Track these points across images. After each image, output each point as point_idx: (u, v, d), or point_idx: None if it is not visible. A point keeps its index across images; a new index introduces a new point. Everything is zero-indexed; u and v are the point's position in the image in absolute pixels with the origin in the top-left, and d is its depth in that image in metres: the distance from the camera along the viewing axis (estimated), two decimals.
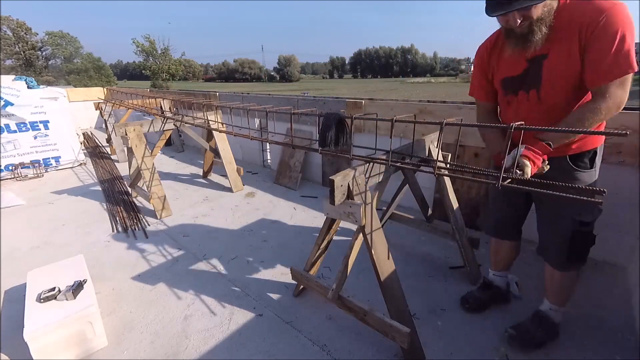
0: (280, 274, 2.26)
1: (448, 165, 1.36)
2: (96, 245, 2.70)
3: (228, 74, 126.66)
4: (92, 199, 3.70)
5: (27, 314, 1.56)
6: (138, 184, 3.49)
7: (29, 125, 4.59)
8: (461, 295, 1.93)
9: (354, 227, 1.55)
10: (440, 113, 2.78)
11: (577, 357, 1.55)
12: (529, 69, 1.33)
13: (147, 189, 3.16)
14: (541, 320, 1.63)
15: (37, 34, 36.87)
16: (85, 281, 1.78)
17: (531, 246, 1.81)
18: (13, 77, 4.65)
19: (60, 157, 4.90)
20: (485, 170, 1.22)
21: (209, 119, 3.31)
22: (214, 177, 4.44)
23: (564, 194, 0.89)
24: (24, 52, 35.55)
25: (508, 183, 1.00)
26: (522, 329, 1.63)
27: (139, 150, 3.13)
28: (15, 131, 4.49)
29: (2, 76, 4.43)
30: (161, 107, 4.73)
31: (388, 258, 1.54)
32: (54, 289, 1.68)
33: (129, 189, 3.71)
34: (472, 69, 1.61)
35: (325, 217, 1.71)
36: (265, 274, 2.26)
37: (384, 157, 1.43)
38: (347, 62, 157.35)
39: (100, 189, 4.03)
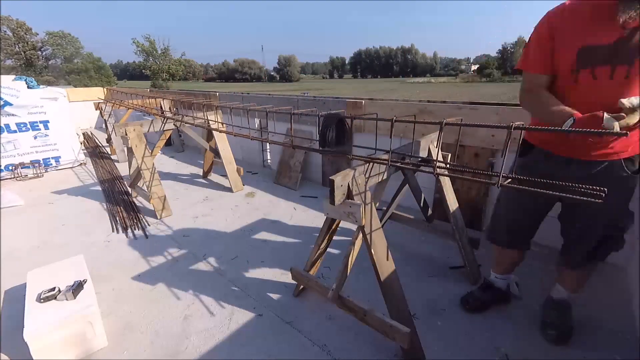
0: (280, 274, 2.26)
1: (448, 165, 1.36)
2: (96, 245, 2.70)
3: (228, 74, 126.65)
4: (92, 199, 3.70)
5: (27, 314, 1.56)
6: (138, 184, 3.49)
7: (29, 125, 4.59)
8: (461, 296, 1.93)
9: (354, 227, 1.55)
10: (440, 113, 2.77)
11: (577, 357, 1.55)
12: (624, 40, 1.09)
13: (147, 189, 3.16)
14: (559, 306, 1.67)
15: (37, 34, 36.89)
16: (85, 281, 1.78)
17: (533, 247, 1.80)
18: (13, 77, 4.65)
19: (60, 157, 4.90)
20: (485, 170, 1.22)
21: (209, 119, 3.31)
22: (214, 177, 4.44)
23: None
24: (24, 52, 35.55)
25: (508, 183, 1.00)
26: (557, 326, 1.64)
27: (139, 150, 3.13)
28: (15, 131, 4.49)
29: (2, 76, 4.43)
30: (161, 107, 4.73)
31: (388, 258, 1.54)
32: (54, 289, 1.68)
33: (129, 189, 3.71)
34: (527, 39, 1.35)
35: (325, 217, 1.71)
36: (265, 274, 2.26)
37: (384, 157, 1.43)
38: (347, 62, 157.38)
39: (100, 189, 4.03)
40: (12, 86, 4.40)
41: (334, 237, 1.89)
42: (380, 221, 1.81)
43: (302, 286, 2.00)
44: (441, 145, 1.38)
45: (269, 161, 4.94)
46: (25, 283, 1.79)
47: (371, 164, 1.47)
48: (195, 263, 2.42)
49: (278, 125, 3.61)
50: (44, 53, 38.13)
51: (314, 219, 3.12)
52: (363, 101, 3.35)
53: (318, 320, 1.83)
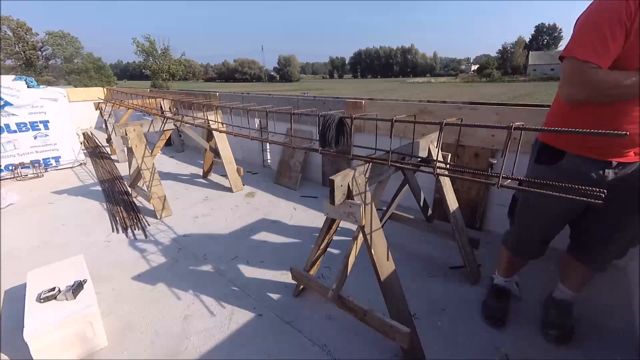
0: (280, 274, 2.26)
1: (448, 166, 1.35)
2: (96, 245, 2.70)
3: (228, 74, 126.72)
4: (92, 199, 3.70)
5: (27, 314, 1.56)
6: (138, 184, 3.49)
7: (29, 125, 4.59)
8: (485, 314, 1.81)
9: (354, 227, 1.55)
10: (440, 113, 2.78)
11: (577, 357, 1.55)
12: None
13: (147, 189, 3.16)
14: (559, 306, 1.67)
15: (37, 34, 36.93)
16: (85, 281, 1.78)
17: None
18: (13, 77, 4.65)
19: (60, 157, 4.90)
20: (485, 171, 1.21)
21: (209, 119, 3.31)
22: (214, 177, 4.44)
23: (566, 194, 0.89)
24: (24, 52, 35.58)
25: (508, 184, 1.00)
26: (558, 326, 1.64)
27: (139, 150, 3.13)
28: (15, 131, 4.49)
29: (2, 76, 4.43)
30: (161, 107, 4.73)
31: (388, 258, 1.54)
32: (54, 289, 1.68)
33: (129, 189, 3.71)
34: (590, 27, 1.14)
35: (325, 217, 1.71)
36: (265, 274, 2.26)
37: (384, 157, 1.43)
38: (347, 62, 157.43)
39: (100, 189, 4.03)
40: (12, 86, 4.40)
41: (334, 237, 1.89)
42: (380, 221, 1.81)
43: (302, 286, 2.00)
44: (441, 145, 1.38)
45: (269, 161, 4.94)
46: (25, 283, 1.79)
47: (371, 164, 1.47)
48: (195, 263, 2.42)
49: (278, 125, 3.61)
50: (44, 53, 38.16)
51: (314, 219, 3.12)
52: (363, 101, 3.35)
53: (318, 320, 1.83)
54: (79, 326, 1.60)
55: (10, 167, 4.47)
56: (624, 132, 0.81)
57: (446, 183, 2.04)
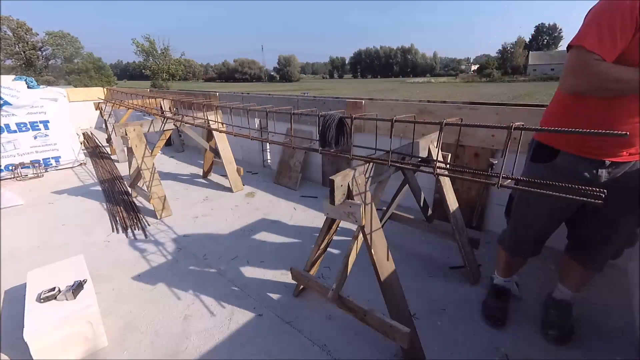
0: (280, 274, 2.26)
1: (448, 166, 1.35)
2: (96, 245, 2.70)
3: (228, 74, 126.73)
4: (92, 199, 3.70)
5: (27, 314, 1.56)
6: (138, 184, 3.49)
7: (29, 125, 4.59)
8: (485, 314, 1.81)
9: (354, 227, 1.55)
10: (440, 113, 2.78)
11: (577, 357, 1.55)
12: None
13: (147, 189, 3.16)
14: (559, 306, 1.68)
15: (37, 34, 36.94)
16: (85, 281, 1.78)
17: None
18: (13, 77, 4.65)
19: (60, 157, 4.90)
20: (485, 171, 1.21)
21: (209, 119, 3.31)
22: (214, 177, 4.44)
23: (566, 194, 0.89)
24: (24, 52, 35.59)
25: (508, 183, 1.00)
26: (558, 326, 1.64)
27: (139, 150, 3.13)
28: (15, 131, 4.49)
29: (2, 76, 4.43)
30: (161, 107, 4.73)
31: (388, 258, 1.54)
32: (54, 289, 1.68)
33: (129, 189, 3.71)
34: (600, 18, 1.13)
35: (325, 217, 1.71)
36: (265, 274, 2.26)
37: (384, 157, 1.43)
38: (347, 62, 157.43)
39: (100, 189, 4.03)
40: (12, 86, 4.40)
41: (334, 237, 1.89)
42: (380, 221, 1.81)
43: (302, 286, 2.00)
44: (441, 145, 1.38)
45: (269, 161, 4.94)
46: (25, 283, 1.79)
47: (371, 164, 1.47)
48: (195, 263, 2.42)
49: (278, 125, 3.61)
50: (44, 53, 38.16)
51: (314, 219, 3.12)
52: (363, 101, 3.35)
53: (318, 320, 1.83)
54: (79, 326, 1.60)
55: (10, 167, 4.47)
56: (624, 132, 0.81)
57: (446, 183, 2.04)
